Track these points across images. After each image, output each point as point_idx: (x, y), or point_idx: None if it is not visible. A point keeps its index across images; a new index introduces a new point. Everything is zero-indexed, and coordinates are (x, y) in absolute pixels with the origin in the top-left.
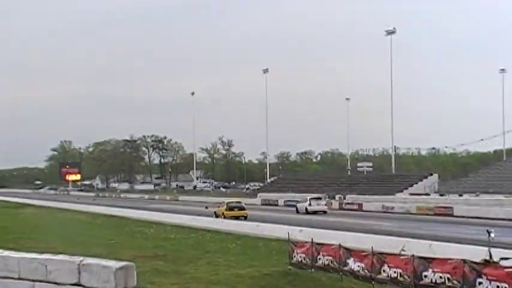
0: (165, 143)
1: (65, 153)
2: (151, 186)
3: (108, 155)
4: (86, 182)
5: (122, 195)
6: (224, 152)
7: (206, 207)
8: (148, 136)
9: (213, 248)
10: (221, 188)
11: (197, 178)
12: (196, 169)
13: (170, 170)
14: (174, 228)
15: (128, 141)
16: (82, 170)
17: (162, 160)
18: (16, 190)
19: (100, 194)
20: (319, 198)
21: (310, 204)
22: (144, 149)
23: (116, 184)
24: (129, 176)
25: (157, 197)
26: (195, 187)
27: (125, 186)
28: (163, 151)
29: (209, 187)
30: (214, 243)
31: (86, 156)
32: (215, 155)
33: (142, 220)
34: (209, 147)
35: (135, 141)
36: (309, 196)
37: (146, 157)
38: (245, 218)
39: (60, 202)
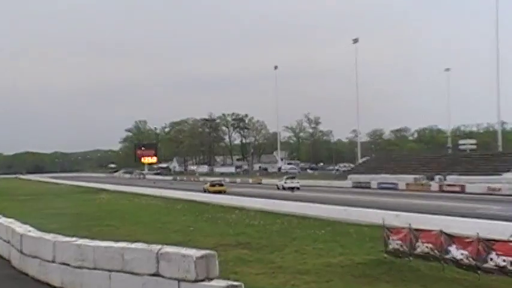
0: (247, 121)
1: (140, 134)
2: (232, 169)
3: (186, 135)
4: (163, 165)
5: (201, 179)
6: (311, 130)
7: (171, 183)
8: (228, 114)
9: (300, 235)
10: (308, 170)
11: (282, 159)
12: (280, 149)
13: (252, 150)
14: (258, 213)
15: (206, 120)
16: (158, 151)
17: (244, 140)
18: (89, 174)
19: (178, 178)
20: (293, 178)
21: (285, 183)
22: (224, 128)
23: (195, 167)
24: (209, 158)
25: (239, 180)
26: (279, 169)
27: (204, 168)
28: (245, 130)
29: (295, 169)
30: (302, 230)
31: (162, 137)
32: (301, 134)
33: (224, 205)
34: (294, 126)
35: (214, 120)
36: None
37: (226, 137)
38: (224, 192)
39: (136, 187)
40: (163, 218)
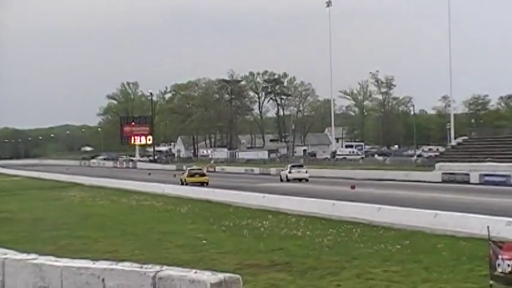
0: (285, 84)
1: (128, 103)
2: (263, 154)
3: (197, 104)
4: (162, 148)
5: (219, 169)
6: (380, 97)
7: (174, 175)
8: (258, 74)
9: (364, 252)
10: (376, 156)
11: (337, 140)
12: (335, 126)
13: (294, 127)
14: (302, 219)
15: (226, 81)
16: (155, 128)
17: (281, 112)
18: (55, 161)
19: (184, 167)
20: (301, 166)
21: (290, 172)
22: (252, 94)
23: (209, 151)
24: (229, 138)
25: (273, 170)
26: (334, 154)
27: (223, 153)
28: (283, 97)
29: (357, 154)
30: (366, 244)
31: (161, 108)
32: (365, 103)
33: (252, 207)
34: (355, 91)
35: (238, 81)
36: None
37: (255, 107)
38: (207, 184)
39: (123, 180)
40: (162, 226)
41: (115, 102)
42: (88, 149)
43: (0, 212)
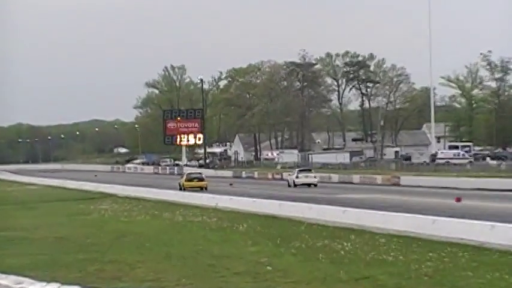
0: (372, 68)
1: (172, 93)
2: (344, 156)
3: (259, 94)
4: (215, 150)
5: (287, 175)
6: (494, 84)
7: (231, 184)
8: (337, 55)
9: (473, 282)
10: (488, 160)
11: (438, 139)
12: (435, 121)
13: (383, 123)
14: (393, 239)
15: (297, 65)
16: (207, 125)
17: (366, 104)
18: (80, 166)
19: (243, 173)
20: (309, 170)
21: (297, 177)
22: (329, 81)
23: (274, 153)
24: (300, 137)
25: (356, 177)
26: (434, 157)
27: (292, 156)
28: (369, 85)
29: (463, 157)
30: (476, 272)
31: (214, 98)
32: (474, 92)
33: (329, 225)
34: (461, 77)
35: (312, 65)
36: None
37: (334, 98)
38: (205, 189)
39: (166, 190)
40: (216, 248)
41: (156, 91)
42: (122, 150)
43: (14, 230)
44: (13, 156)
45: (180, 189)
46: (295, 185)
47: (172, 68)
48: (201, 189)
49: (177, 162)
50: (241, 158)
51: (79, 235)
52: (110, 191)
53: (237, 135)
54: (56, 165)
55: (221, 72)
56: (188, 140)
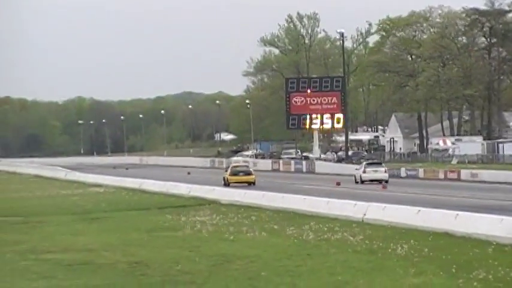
0: None
1: (299, 53)
2: None
3: (426, 55)
4: (361, 136)
5: (467, 173)
6: None
7: (384, 186)
8: None
9: None
10: None
11: None
12: None
13: None
14: None
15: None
16: (349, 100)
17: None
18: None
19: (403, 171)
20: (379, 164)
21: (364, 172)
22: None
23: (448, 141)
24: (487, 118)
25: None
26: None
27: (474, 146)
28: None
29: None
30: None
31: (360, 61)
32: None
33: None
34: None
35: (505, 12)
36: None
37: None
38: (253, 184)
39: (289, 194)
40: (363, 279)
41: (276, 51)
42: (227, 137)
43: (73, 251)
44: (71, 145)
45: (225, 184)
46: (362, 181)
47: (300, 17)
48: (249, 184)
49: (305, 154)
50: (400, 148)
51: (164, 259)
52: (208, 196)
53: (393, 116)
54: (131, 158)
55: (370, 24)
56: (322, 123)
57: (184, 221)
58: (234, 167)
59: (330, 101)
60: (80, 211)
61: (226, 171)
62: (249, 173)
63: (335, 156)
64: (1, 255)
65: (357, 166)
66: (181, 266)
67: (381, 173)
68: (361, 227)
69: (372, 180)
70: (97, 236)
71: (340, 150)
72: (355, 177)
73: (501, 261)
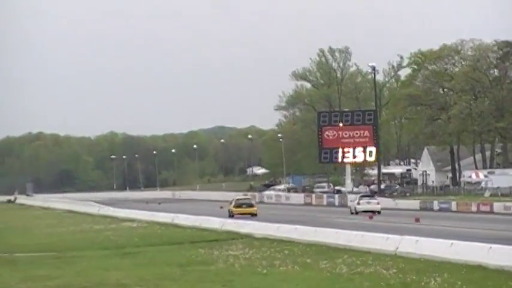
0: None
1: (331, 87)
2: None
3: (458, 88)
4: (394, 170)
5: (499, 206)
6: None
7: (417, 219)
8: None
9: None
10: None
11: None
12: None
13: None
14: None
15: None
16: (381, 133)
17: None
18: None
19: (436, 204)
20: (371, 196)
21: (359, 204)
22: None
23: (481, 174)
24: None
25: None
26: None
27: (508, 178)
28: None
29: None
30: None
31: (392, 95)
32: None
33: None
34: None
35: None
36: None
37: None
38: (255, 215)
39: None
40: None
41: (308, 85)
42: (259, 171)
43: (108, 286)
44: (103, 180)
45: (230, 216)
46: (356, 212)
47: (331, 51)
48: (251, 215)
49: (338, 188)
50: (432, 181)
51: None
52: (241, 230)
53: (425, 149)
54: (164, 193)
55: (402, 58)
56: (355, 156)
57: (217, 255)
58: (238, 200)
59: (362, 134)
60: (113, 246)
61: (231, 204)
62: (251, 205)
63: (367, 189)
64: None
65: (352, 198)
66: None
67: (373, 204)
68: (394, 260)
69: (365, 211)
70: (130, 271)
71: (373, 183)
72: (350, 208)
73: None
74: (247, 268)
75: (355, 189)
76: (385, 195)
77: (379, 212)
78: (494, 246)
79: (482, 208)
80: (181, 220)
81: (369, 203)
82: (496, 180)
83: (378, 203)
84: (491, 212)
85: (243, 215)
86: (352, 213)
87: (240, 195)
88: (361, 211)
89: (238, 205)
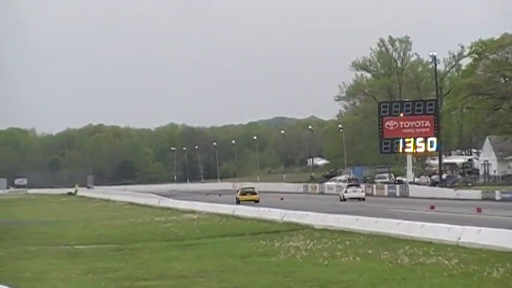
0: None
1: (391, 77)
2: None
3: None
4: (455, 160)
5: None
6: None
7: (479, 209)
8: None
9: None
10: None
11: None
12: None
13: None
14: None
15: None
16: (442, 123)
17: None
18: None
19: (498, 194)
20: (357, 186)
21: (346, 192)
22: None
23: None
24: None
25: None
26: None
27: None
28: None
29: None
30: None
31: (453, 84)
32: None
33: None
34: None
35: None
36: None
37: None
38: (257, 202)
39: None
40: None
41: (368, 75)
42: (320, 162)
43: (169, 278)
44: (164, 172)
45: (237, 202)
46: (344, 199)
47: (392, 40)
48: (254, 202)
49: (399, 178)
50: (494, 171)
51: (258, 285)
52: (302, 221)
53: (487, 139)
54: (224, 184)
55: (463, 47)
56: (416, 147)
57: (278, 246)
58: (243, 188)
59: (423, 124)
60: (174, 238)
61: (238, 192)
62: (254, 193)
63: (429, 180)
64: (96, 282)
65: (342, 186)
66: None
67: (358, 192)
68: (456, 250)
69: (351, 198)
70: (191, 263)
71: (434, 173)
72: (339, 196)
73: None
74: (308, 259)
75: (416, 180)
76: (446, 186)
77: (363, 199)
78: None
79: None
80: (242, 212)
81: (355, 191)
82: None
83: (363, 191)
84: None
85: (248, 201)
86: (341, 200)
87: (245, 185)
88: (348, 198)
89: (244, 193)
